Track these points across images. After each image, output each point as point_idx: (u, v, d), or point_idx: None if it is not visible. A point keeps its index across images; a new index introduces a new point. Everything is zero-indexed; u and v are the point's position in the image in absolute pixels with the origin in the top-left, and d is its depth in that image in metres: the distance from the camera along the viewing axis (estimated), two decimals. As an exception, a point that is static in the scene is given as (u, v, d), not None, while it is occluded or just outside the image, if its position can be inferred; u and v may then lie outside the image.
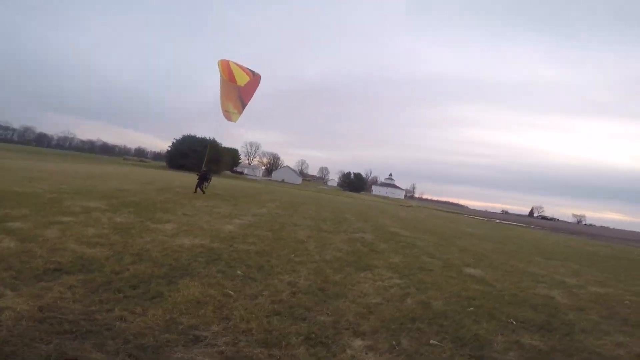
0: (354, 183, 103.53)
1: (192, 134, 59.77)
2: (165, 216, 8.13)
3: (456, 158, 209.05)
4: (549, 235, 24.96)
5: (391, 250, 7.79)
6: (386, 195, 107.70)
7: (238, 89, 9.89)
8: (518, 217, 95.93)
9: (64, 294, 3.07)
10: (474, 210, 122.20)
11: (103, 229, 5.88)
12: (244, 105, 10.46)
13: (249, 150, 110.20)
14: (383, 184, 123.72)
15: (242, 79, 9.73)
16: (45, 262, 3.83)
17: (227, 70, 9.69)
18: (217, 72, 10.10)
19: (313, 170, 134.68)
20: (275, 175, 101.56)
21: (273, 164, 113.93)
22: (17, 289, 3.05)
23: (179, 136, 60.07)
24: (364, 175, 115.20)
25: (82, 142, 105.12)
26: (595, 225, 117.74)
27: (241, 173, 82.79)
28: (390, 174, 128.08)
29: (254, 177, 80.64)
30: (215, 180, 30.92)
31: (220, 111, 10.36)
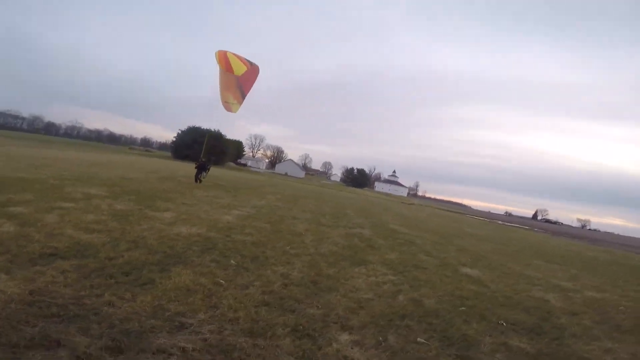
0: (357, 179, 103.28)
1: (198, 125, 59.96)
2: (165, 205, 8.19)
3: (461, 158, 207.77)
4: (550, 239, 24.76)
5: (388, 246, 7.78)
6: (389, 192, 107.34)
7: (236, 79, 9.82)
8: (521, 220, 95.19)
9: (56, 279, 3.11)
10: (476, 210, 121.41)
11: (102, 216, 5.94)
12: (243, 96, 10.39)
13: (253, 143, 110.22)
14: (386, 181, 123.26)
15: (240, 69, 9.65)
16: (42, 246, 3.88)
17: (224, 61, 9.62)
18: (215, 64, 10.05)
19: (316, 165, 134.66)
20: (279, 168, 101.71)
21: (277, 157, 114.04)
22: (10, 273, 3.09)
23: (184, 127, 60.35)
24: (367, 171, 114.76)
25: (90, 131, 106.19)
26: (599, 231, 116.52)
27: (245, 165, 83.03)
28: (394, 171, 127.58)
29: (257, 170, 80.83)
30: (218, 172, 31.12)
31: (220, 103, 10.31)
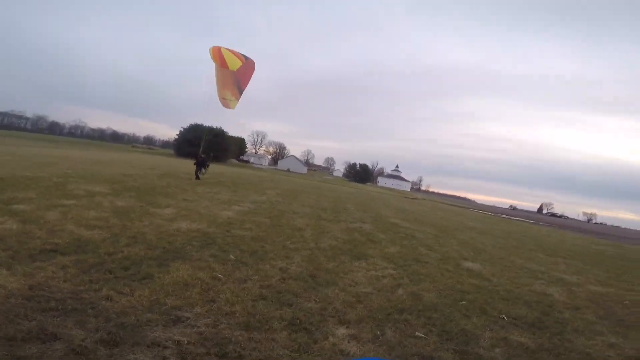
0: (360, 174, 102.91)
1: (200, 122, 60.03)
2: (166, 201, 8.23)
3: (465, 152, 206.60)
4: (555, 232, 24.53)
5: (389, 240, 7.75)
6: (392, 187, 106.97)
7: (232, 74, 9.73)
8: (526, 214, 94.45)
9: (56, 274, 3.14)
10: (481, 204, 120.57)
11: (103, 212, 5.98)
12: (240, 91, 10.30)
13: (256, 140, 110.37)
14: (389, 176, 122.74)
15: (235, 64, 9.54)
16: (43, 243, 3.92)
17: (218, 57, 9.50)
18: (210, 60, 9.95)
19: (319, 160, 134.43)
20: (281, 164, 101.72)
21: (279, 154, 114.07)
22: (11, 268, 3.12)
23: (186, 125, 60.46)
24: (370, 167, 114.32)
25: (93, 130, 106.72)
26: (606, 224, 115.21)
27: (247, 161, 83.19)
28: (397, 166, 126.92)
29: (260, 166, 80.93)
30: (220, 168, 31.19)
31: (218, 99, 10.24)
